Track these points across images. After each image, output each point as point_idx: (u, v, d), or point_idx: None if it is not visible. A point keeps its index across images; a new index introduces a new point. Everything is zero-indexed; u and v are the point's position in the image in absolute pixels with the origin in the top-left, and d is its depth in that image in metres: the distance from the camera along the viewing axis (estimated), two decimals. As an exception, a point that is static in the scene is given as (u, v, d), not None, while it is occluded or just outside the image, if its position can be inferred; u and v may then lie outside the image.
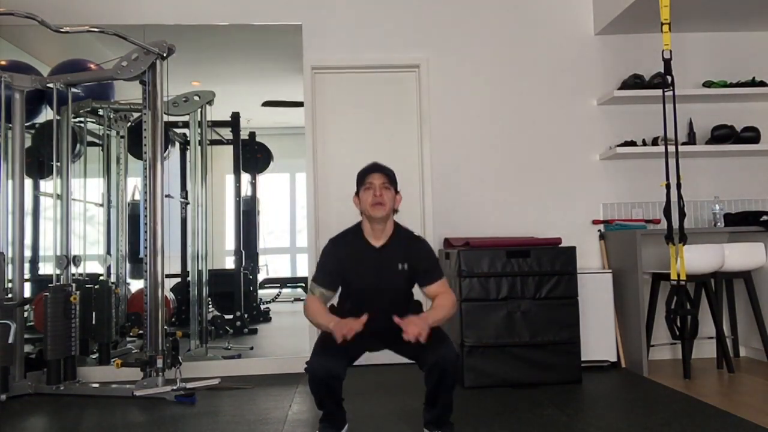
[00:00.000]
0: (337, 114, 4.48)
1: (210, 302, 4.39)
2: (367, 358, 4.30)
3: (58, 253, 3.89)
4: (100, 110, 4.42)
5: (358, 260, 2.69)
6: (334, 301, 2.80)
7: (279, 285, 4.52)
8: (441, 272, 2.74)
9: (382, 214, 2.64)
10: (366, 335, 2.60)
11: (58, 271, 3.87)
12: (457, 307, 2.73)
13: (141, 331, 4.17)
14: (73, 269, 3.91)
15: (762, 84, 4.40)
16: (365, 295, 2.70)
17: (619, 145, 4.34)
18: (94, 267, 4.37)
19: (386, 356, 4.32)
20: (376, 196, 2.63)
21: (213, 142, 4.46)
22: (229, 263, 4.46)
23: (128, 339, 4.38)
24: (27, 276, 4.11)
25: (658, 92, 3.93)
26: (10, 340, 3.54)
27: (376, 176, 2.68)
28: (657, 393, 3.42)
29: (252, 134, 4.46)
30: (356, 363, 4.22)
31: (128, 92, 4.34)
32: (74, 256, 3.94)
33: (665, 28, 3.69)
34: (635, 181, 4.50)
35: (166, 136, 4.32)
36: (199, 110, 4.40)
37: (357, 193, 2.72)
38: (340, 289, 2.77)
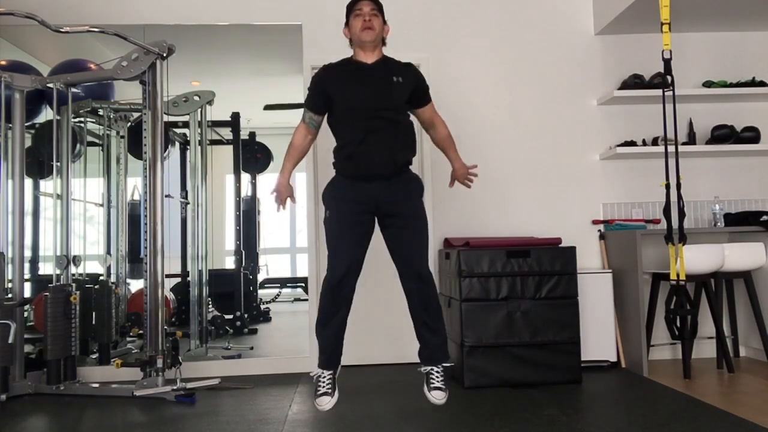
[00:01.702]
0: (337, 114, 4.47)
1: (210, 302, 4.39)
2: (367, 358, 4.30)
3: (58, 253, 3.89)
4: (100, 110, 4.42)
5: (350, 77, 2.77)
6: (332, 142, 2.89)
7: (279, 285, 4.52)
8: (430, 96, 2.93)
9: (372, 38, 2.75)
10: (363, 175, 2.73)
11: (58, 271, 3.87)
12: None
13: (141, 331, 4.17)
14: (73, 269, 3.91)
15: (762, 84, 4.40)
16: (362, 112, 2.71)
17: (619, 145, 4.34)
18: (94, 267, 4.37)
19: (386, 356, 4.33)
20: (366, 21, 2.73)
21: (213, 142, 4.46)
22: (229, 263, 4.46)
23: (128, 339, 4.38)
24: (27, 276, 4.11)
25: (658, 92, 3.93)
26: (10, 340, 3.54)
27: (365, 3, 2.77)
28: (657, 393, 3.42)
29: (252, 134, 4.46)
30: (356, 363, 4.22)
31: (128, 92, 4.34)
32: (74, 256, 3.94)
33: (665, 28, 3.69)
34: (635, 181, 4.50)
35: (166, 136, 4.32)
36: (199, 110, 4.40)
37: (347, 24, 2.82)
38: (335, 122, 2.85)
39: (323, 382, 2.76)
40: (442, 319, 2.81)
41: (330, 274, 2.71)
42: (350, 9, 2.81)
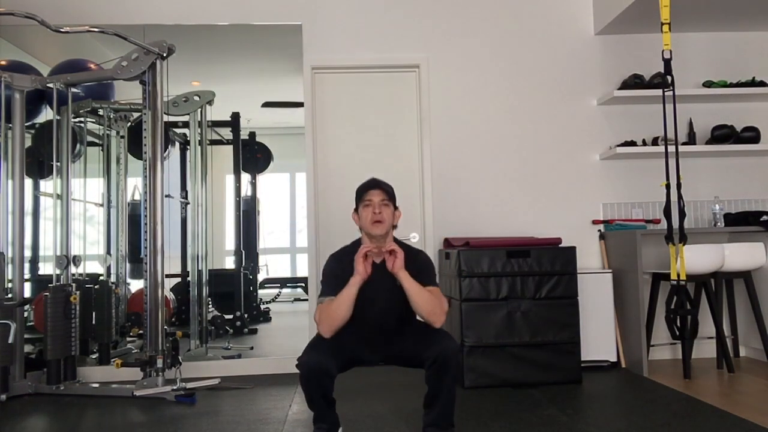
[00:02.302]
0: (337, 114, 4.48)
1: (210, 302, 4.39)
2: (367, 358, 4.29)
3: (58, 253, 3.89)
4: (100, 110, 4.42)
5: None
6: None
7: (279, 285, 4.52)
8: (436, 282, 2.69)
9: (382, 232, 2.62)
10: (363, 348, 2.66)
11: (58, 271, 3.87)
12: (442, 314, 2.57)
13: (141, 331, 4.17)
14: (73, 269, 3.91)
15: (762, 84, 4.40)
16: (365, 314, 2.61)
17: (619, 145, 4.34)
18: (94, 267, 4.37)
19: (386, 356, 4.32)
20: (376, 213, 2.61)
21: (213, 142, 4.46)
22: (229, 263, 4.45)
23: (128, 339, 4.38)
24: (27, 276, 4.11)
25: (658, 92, 3.93)
26: (10, 340, 3.54)
27: (375, 193, 2.64)
28: (657, 393, 3.42)
29: (252, 134, 4.46)
30: (356, 363, 4.21)
31: (128, 92, 4.34)
32: (74, 256, 3.94)
33: (665, 28, 3.69)
34: (635, 181, 4.50)
35: (166, 136, 4.32)
36: (199, 110, 4.40)
37: (356, 210, 2.70)
38: None
39: None
40: (454, 390, 2.56)
41: (304, 358, 2.47)
42: (359, 197, 2.68)
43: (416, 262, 2.67)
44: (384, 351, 2.70)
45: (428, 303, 2.54)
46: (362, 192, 2.68)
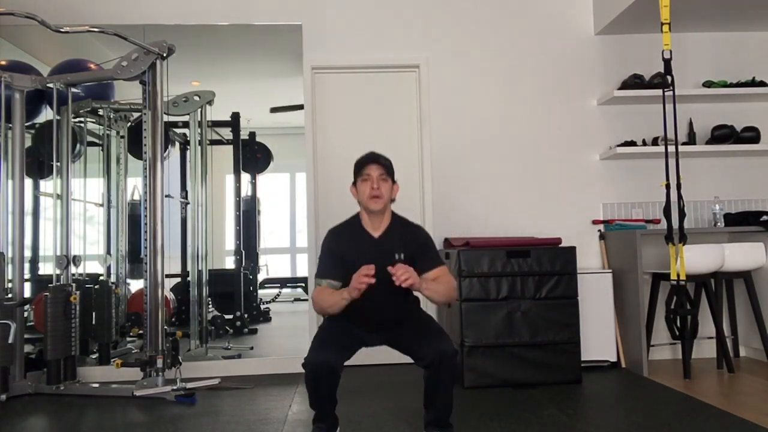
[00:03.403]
0: (337, 114, 4.47)
1: (210, 302, 4.39)
2: (367, 359, 4.30)
3: (58, 253, 3.89)
4: (100, 110, 4.42)
5: (357, 251, 2.64)
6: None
7: (279, 285, 4.52)
8: (440, 260, 2.71)
9: (380, 207, 2.63)
10: (364, 329, 2.66)
11: (58, 271, 3.87)
12: (455, 292, 2.76)
13: (141, 331, 4.17)
14: (73, 269, 3.91)
15: (762, 84, 4.40)
16: (368, 291, 2.59)
17: (619, 145, 4.34)
18: (94, 267, 4.37)
19: (386, 356, 4.32)
20: (374, 188, 2.60)
21: (213, 142, 4.46)
22: (229, 263, 4.46)
23: (128, 339, 4.39)
24: (27, 276, 4.11)
25: (658, 92, 3.93)
26: (10, 340, 3.54)
27: (373, 168, 2.63)
28: (657, 393, 3.42)
29: (252, 134, 4.46)
30: (356, 363, 4.22)
31: (128, 92, 4.34)
32: (74, 256, 3.94)
33: (665, 28, 3.69)
34: (635, 181, 4.50)
35: (166, 136, 4.32)
36: (199, 110, 4.40)
37: (354, 183, 2.69)
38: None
39: None
40: (451, 391, 2.57)
41: (311, 357, 2.45)
42: (357, 171, 2.66)
43: (417, 243, 2.69)
44: (386, 332, 2.68)
45: (444, 295, 2.61)
46: (361, 166, 2.67)
